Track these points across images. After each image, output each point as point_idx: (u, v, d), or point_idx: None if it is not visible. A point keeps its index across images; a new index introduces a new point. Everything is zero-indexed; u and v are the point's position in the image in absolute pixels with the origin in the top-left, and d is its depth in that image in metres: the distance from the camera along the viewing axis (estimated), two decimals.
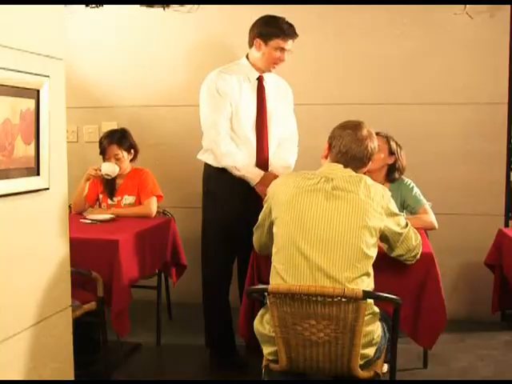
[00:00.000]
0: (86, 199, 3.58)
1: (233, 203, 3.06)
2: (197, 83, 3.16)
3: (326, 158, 2.37)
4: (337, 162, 2.31)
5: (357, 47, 3.85)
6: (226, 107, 3.01)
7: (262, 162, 3.08)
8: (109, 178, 3.50)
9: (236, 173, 3.01)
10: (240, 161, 3.01)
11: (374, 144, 2.35)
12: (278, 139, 3.19)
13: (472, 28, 3.68)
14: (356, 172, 2.30)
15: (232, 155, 3.00)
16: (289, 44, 3.02)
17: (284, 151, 3.19)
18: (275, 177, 2.92)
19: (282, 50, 3.02)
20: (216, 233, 3.10)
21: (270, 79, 3.16)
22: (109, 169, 3.48)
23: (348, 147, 2.29)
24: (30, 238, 1.93)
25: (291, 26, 3.04)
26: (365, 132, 2.32)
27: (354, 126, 2.33)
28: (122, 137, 3.57)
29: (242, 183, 3.02)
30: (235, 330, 3.02)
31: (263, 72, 3.11)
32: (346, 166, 2.29)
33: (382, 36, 3.81)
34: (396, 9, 3.74)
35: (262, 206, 2.42)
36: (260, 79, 3.12)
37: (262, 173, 3.03)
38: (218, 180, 3.08)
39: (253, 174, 3.02)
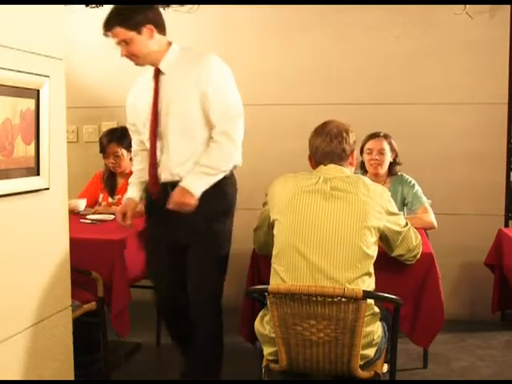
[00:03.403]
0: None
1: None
2: None
3: (314, 168, 2.39)
4: (319, 163, 2.33)
5: (357, 47, 3.85)
6: (129, 114, 2.69)
7: (151, 172, 2.57)
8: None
9: None
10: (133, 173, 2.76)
11: (342, 134, 2.31)
12: (181, 146, 2.50)
13: (472, 28, 3.68)
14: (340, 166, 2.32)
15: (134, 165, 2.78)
16: (109, 35, 2.52)
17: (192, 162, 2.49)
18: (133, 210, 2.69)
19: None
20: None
21: (175, 67, 2.52)
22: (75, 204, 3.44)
23: (316, 146, 2.33)
24: (30, 238, 1.93)
25: (108, 16, 2.53)
26: (329, 127, 2.33)
27: (318, 128, 2.36)
28: (122, 135, 3.57)
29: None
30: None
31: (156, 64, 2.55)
32: (326, 164, 2.30)
33: (382, 36, 3.81)
34: (396, 9, 3.74)
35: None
36: (156, 73, 2.56)
37: (127, 199, 2.73)
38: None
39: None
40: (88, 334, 2.92)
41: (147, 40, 2.48)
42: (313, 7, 3.77)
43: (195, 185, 2.43)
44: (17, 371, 1.88)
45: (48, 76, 1.95)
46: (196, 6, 3.90)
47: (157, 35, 2.51)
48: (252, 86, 3.97)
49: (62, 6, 2.08)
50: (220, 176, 2.48)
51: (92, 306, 2.74)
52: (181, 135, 2.49)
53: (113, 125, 4.02)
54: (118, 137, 3.56)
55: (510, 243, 3.02)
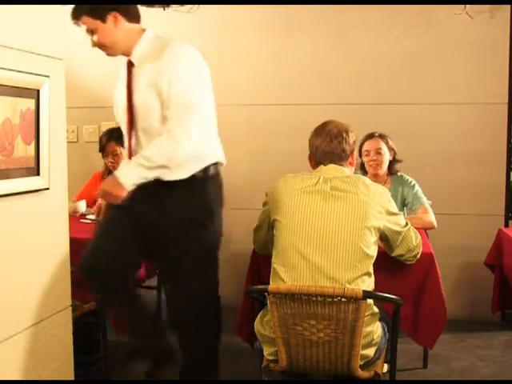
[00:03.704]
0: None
1: None
2: None
3: (314, 168, 2.39)
4: (319, 163, 2.33)
5: (357, 47, 3.85)
6: (114, 107, 2.60)
7: None
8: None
9: None
10: None
11: (342, 134, 2.32)
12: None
13: (472, 28, 3.68)
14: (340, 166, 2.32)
15: None
16: (79, 24, 2.37)
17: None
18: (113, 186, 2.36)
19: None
20: None
21: (145, 59, 2.40)
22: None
23: (316, 146, 2.33)
24: (30, 237, 1.93)
25: (74, 5, 2.36)
26: (329, 127, 2.33)
27: (318, 128, 2.36)
28: (121, 134, 3.56)
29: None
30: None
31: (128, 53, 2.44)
32: (326, 164, 2.30)
33: (382, 36, 3.81)
34: (396, 9, 3.74)
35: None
36: (128, 65, 2.45)
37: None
38: None
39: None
40: (88, 334, 2.92)
41: (113, 28, 2.36)
42: (313, 7, 3.77)
43: (127, 176, 2.29)
44: (17, 371, 1.88)
45: (48, 76, 1.95)
46: (196, 5, 3.90)
47: (125, 23, 2.38)
48: (252, 86, 3.98)
49: (62, 5, 2.08)
50: (158, 171, 2.31)
51: (92, 306, 2.74)
52: (144, 131, 2.41)
53: (113, 125, 4.00)
54: (117, 136, 3.56)
55: (510, 243, 3.02)
